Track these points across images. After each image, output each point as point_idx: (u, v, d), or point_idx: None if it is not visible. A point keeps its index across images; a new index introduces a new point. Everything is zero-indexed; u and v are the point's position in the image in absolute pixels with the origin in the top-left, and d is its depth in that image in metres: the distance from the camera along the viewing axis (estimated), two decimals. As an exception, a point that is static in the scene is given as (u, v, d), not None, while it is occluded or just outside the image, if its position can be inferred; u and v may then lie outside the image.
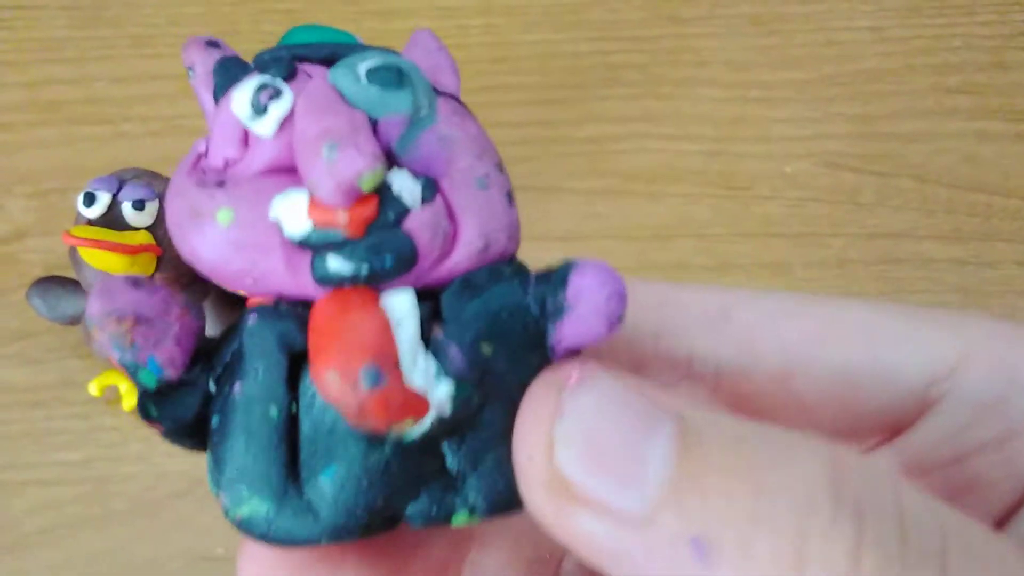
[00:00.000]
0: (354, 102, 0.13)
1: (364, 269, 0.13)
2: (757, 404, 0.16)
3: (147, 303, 0.13)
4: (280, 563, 0.15)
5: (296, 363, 0.13)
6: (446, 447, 0.13)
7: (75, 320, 0.32)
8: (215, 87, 0.14)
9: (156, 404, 0.13)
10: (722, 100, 0.44)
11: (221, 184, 0.13)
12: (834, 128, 0.43)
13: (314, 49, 0.14)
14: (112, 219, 0.28)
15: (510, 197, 0.14)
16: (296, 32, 0.14)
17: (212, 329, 0.31)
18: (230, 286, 0.13)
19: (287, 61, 0.14)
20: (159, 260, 0.29)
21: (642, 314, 0.16)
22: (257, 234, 0.13)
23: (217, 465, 0.13)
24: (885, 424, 0.16)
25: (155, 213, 0.29)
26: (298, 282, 0.13)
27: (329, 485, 0.13)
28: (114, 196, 0.28)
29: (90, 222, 0.28)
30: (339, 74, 0.13)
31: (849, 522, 0.12)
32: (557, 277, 0.14)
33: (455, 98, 0.14)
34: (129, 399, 0.32)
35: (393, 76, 0.13)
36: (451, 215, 0.13)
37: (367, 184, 0.12)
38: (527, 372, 0.13)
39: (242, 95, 0.13)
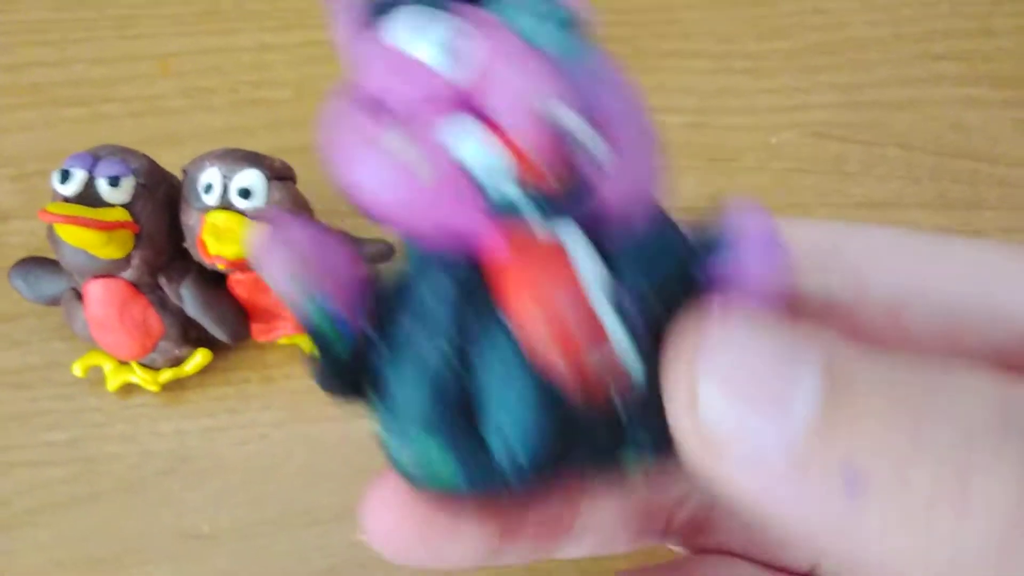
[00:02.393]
0: (535, 43, 0.13)
1: (555, 214, 0.13)
2: (866, 338, 0.15)
3: (339, 252, 0.13)
4: (406, 516, 0.15)
5: (469, 308, 0.13)
6: (615, 395, 0.13)
7: (55, 300, 0.32)
8: (365, 16, 0.13)
9: (339, 354, 0.13)
10: (708, 72, 0.44)
11: (390, 113, 0.13)
12: (820, 98, 0.43)
13: None
14: (88, 196, 0.28)
15: (659, 146, 0.14)
16: None
17: (192, 310, 0.31)
18: (390, 218, 0.13)
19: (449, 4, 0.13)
20: (137, 237, 0.29)
21: None
22: (431, 164, 0.12)
23: (390, 411, 0.13)
24: (996, 364, 0.15)
25: (131, 189, 0.28)
26: (467, 213, 0.13)
27: (512, 431, 0.13)
28: (90, 173, 0.28)
29: (66, 199, 0.28)
30: (515, 14, 0.13)
31: (1019, 449, 0.11)
32: (720, 242, 0.14)
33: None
34: (113, 379, 0.32)
35: (569, 17, 0.13)
36: (618, 154, 0.13)
37: (562, 129, 0.12)
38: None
39: (415, 30, 0.13)
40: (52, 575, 0.30)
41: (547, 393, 0.13)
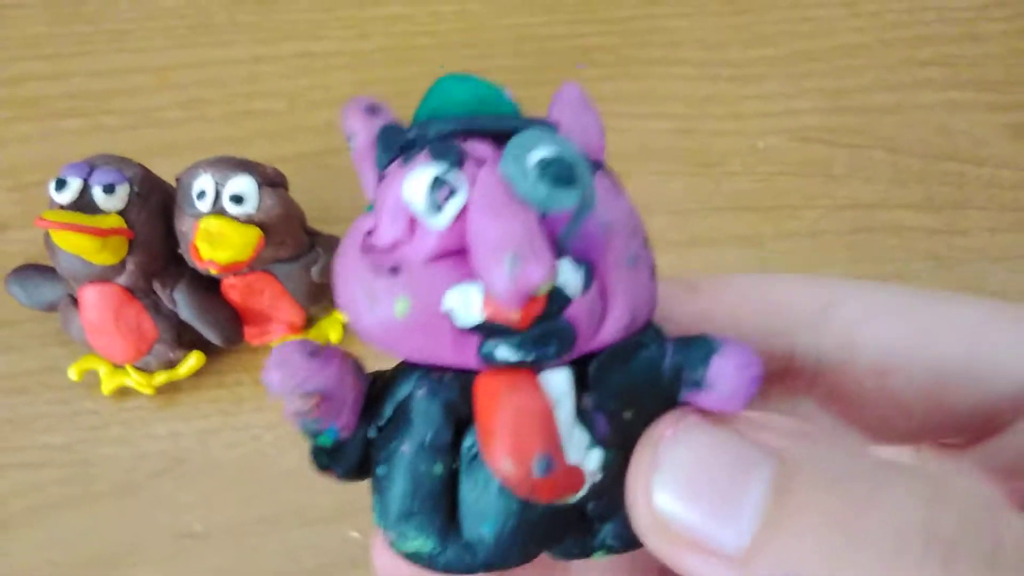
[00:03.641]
0: (524, 197, 0.13)
1: (530, 358, 0.14)
2: (853, 397, 0.17)
3: (326, 376, 0.14)
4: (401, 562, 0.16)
5: (458, 426, 0.15)
6: (588, 499, 0.15)
7: (53, 306, 0.32)
8: (377, 158, 0.14)
9: (328, 456, 0.15)
10: (694, 79, 0.44)
11: (395, 271, 0.14)
12: (806, 103, 0.43)
13: (473, 123, 0.14)
14: (84, 204, 0.29)
15: (653, 271, 0.15)
16: (445, 83, 0.14)
17: (185, 314, 0.31)
18: (397, 355, 0.15)
19: (457, 149, 0.14)
20: (131, 243, 0.29)
21: (746, 314, 0.17)
22: (430, 322, 0.13)
23: (384, 508, 0.15)
24: (977, 423, 0.16)
25: (125, 197, 0.29)
26: (463, 359, 0.14)
27: (489, 534, 0.14)
28: (85, 181, 0.29)
29: (62, 207, 0.29)
30: (510, 168, 0.13)
31: (938, 564, 0.12)
32: (698, 354, 0.14)
33: (604, 167, 0.15)
34: (108, 382, 0.33)
35: (564, 173, 0.13)
36: (603, 294, 0.14)
37: (543, 290, 0.13)
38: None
39: (416, 185, 0.14)
40: (48, 575, 0.30)
41: (524, 510, 0.14)
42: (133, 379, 0.32)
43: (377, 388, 0.15)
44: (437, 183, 0.13)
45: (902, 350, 0.16)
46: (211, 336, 0.32)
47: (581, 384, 0.14)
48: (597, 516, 0.15)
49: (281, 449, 0.32)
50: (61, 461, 0.32)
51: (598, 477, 0.14)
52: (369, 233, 0.14)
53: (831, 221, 0.40)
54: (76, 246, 0.28)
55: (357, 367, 0.15)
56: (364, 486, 0.32)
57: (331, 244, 0.32)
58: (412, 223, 0.14)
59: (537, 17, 0.46)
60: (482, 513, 0.14)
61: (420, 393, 0.14)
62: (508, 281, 0.13)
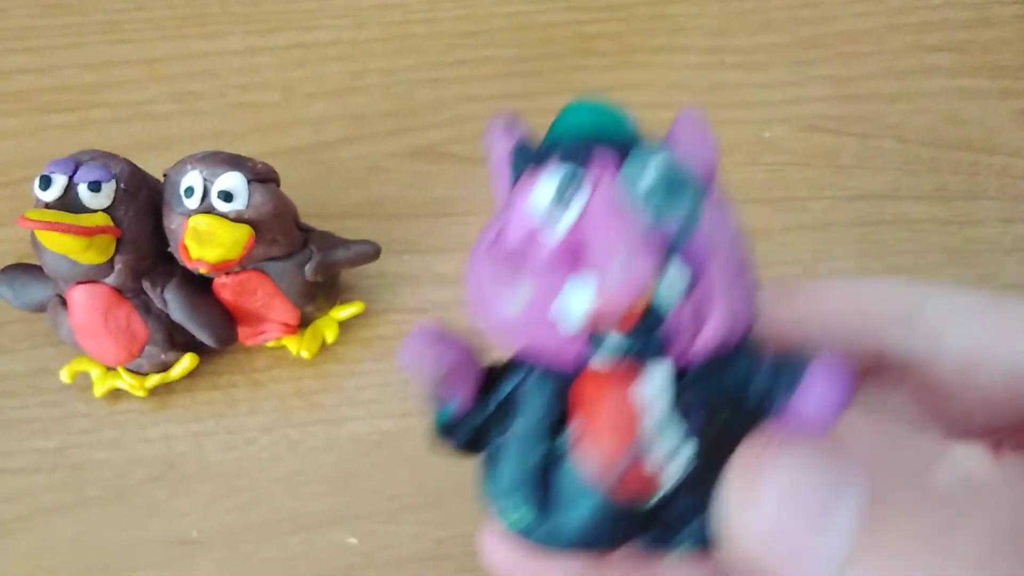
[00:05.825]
0: (643, 203, 0.15)
1: (635, 349, 0.15)
2: (939, 392, 0.18)
3: (451, 356, 0.16)
4: (511, 548, 0.17)
5: (564, 414, 0.16)
6: (672, 497, 0.16)
7: (42, 307, 0.31)
8: (511, 171, 0.16)
9: (447, 430, 0.17)
10: (699, 67, 0.43)
11: (518, 269, 0.15)
12: (813, 91, 0.42)
13: (596, 140, 0.16)
14: (69, 202, 0.28)
15: (752, 289, 0.16)
16: (574, 110, 0.17)
17: (176, 315, 0.30)
18: (515, 349, 0.16)
19: (582, 156, 0.15)
20: (118, 242, 0.28)
21: (839, 316, 0.18)
22: (547, 316, 0.15)
23: (495, 480, 0.16)
24: None
25: (112, 194, 0.28)
26: (573, 353, 0.15)
27: (576, 520, 0.16)
28: (70, 178, 0.28)
29: (48, 205, 0.28)
30: (629, 175, 0.15)
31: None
32: (785, 381, 0.16)
33: (715, 185, 0.16)
34: (100, 385, 0.32)
35: (677, 185, 0.15)
36: (703, 303, 0.15)
37: (649, 289, 0.14)
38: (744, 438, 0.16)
39: (543, 190, 0.15)
40: (40, 584, 0.30)
41: (604, 498, 0.16)
42: (125, 381, 0.32)
43: (494, 375, 0.17)
44: (562, 186, 0.15)
45: (987, 347, 0.17)
46: (203, 337, 0.31)
47: (680, 379, 0.15)
48: (679, 515, 0.16)
49: (275, 453, 0.31)
50: (52, 466, 0.32)
51: (682, 473, 0.15)
52: (497, 236, 0.15)
53: (840, 213, 0.39)
54: (61, 245, 0.27)
55: (476, 356, 0.16)
56: (360, 491, 0.31)
57: (325, 241, 0.31)
58: (536, 226, 0.15)
59: (537, 5, 0.45)
60: (572, 499, 0.16)
61: (533, 378, 0.16)
62: (622, 272, 0.14)
